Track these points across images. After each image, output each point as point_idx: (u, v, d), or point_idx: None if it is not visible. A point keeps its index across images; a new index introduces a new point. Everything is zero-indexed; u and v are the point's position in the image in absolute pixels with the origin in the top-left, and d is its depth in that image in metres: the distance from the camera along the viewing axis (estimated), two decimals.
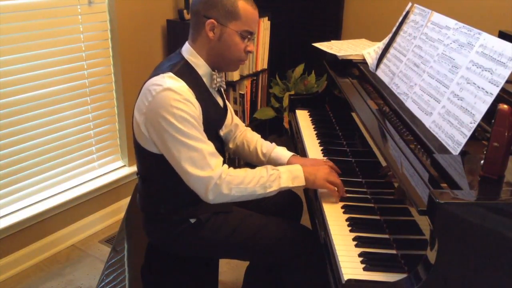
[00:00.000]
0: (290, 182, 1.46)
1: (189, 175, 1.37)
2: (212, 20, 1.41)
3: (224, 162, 1.45)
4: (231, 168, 1.44)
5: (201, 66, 1.47)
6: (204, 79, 1.49)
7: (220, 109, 1.59)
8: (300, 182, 1.48)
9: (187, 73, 1.43)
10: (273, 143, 1.74)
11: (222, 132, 1.69)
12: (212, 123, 1.51)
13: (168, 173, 1.42)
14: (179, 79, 1.39)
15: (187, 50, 1.48)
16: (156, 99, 1.35)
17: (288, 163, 1.64)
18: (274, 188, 1.44)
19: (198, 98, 1.41)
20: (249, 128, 1.80)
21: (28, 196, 2.34)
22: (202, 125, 1.41)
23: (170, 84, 1.36)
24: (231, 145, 1.76)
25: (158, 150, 1.43)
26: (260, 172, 1.45)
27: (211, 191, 1.38)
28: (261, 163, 1.71)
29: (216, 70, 1.51)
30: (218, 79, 1.51)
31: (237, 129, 1.76)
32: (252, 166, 1.55)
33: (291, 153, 1.68)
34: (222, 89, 1.61)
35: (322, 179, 1.47)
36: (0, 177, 2.19)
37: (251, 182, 1.42)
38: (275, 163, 1.67)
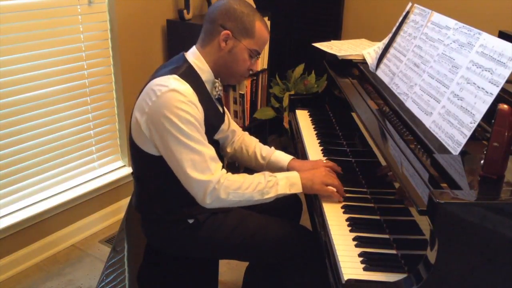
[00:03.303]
0: (287, 189, 1.47)
1: (189, 177, 1.37)
2: (228, 32, 1.44)
3: (222, 166, 1.45)
4: (229, 173, 1.44)
5: (205, 72, 1.48)
6: (207, 85, 1.49)
7: (220, 116, 1.60)
8: (298, 189, 1.48)
9: (191, 76, 1.44)
10: (272, 147, 1.74)
11: (217, 137, 1.70)
12: (211, 128, 1.51)
13: (164, 175, 1.42)
14: (184, 81, 1.39)
15: (193, 54, 1.49)
16: (161, 99, 1.35)
17: (288, 166, 1.65)
18: (271, 194, 1.45)
19: (200, 101, 1.41)
20: (246, 133, 1.80)
21: (28, 196, 2.34)
22: (204, 128, 1.41)
23: (175, 86, 1.36)
24: (228, 150, 1.76)
25: (155, 151, 1.43)
26: (258, 178, 1.45)
27: (209, 195, 1.38)
28: (260, 167, 1.71)
29: (218, 79, 1.52)
30: (220, 87, 1.52)
31: (235, 134, 1.76)
32: (250, 171, 1.54)
33: (291, 157, 1.69)
34: (220, 98, 1.62)
35: (319, 183, 1.48)
36: (0, 177, 2.19)
37: (249, 187, 1.42)
38: (275, 166, 1.67)
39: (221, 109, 1.62)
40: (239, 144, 1.75)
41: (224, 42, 1.45)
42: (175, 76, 1.39)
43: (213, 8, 1.49)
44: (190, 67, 1.46)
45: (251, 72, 1.54)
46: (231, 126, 1.75)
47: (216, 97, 1.55)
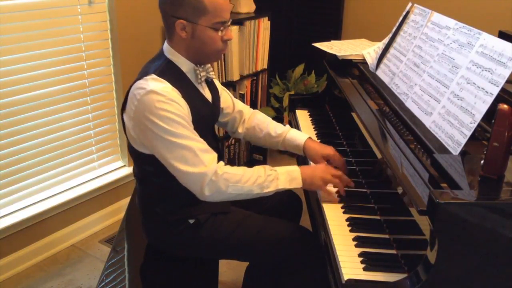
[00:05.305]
0: (287, 184, 1.46)
1: (182, 173, 1.37)
2: (181, 21, 1.39)
3: (221, 159, 1.45)
4: (228, 166, 1.43)
5: (183, 64, 1.47)
6: (189, 76, 1.48)
7: (209, 104, 1.57)
8: (297, 184, 1.48)
9: (170, 72, 1.43)
10: (287, 125, 1.73)
11: (223, 120, 1.69)
12: (204, 119, 1.51)
13: (163, 174, 1.42)
14: (162, 79, 1.38)
15: (167, 49, 1.48)
16: (141, 103, 1.35)
17: (305, 145, 1.65)
18: (271, 188, 1.44)
19: (184, 96, 1.40)
20: (257, 111, 1.79)
21: (28, 196, 2.34)
22: (191, 123, 1.41)
23: (153, 86, 1.35)
24: (240, 130, 1.75)
25: (150, 152, 1.43)
26: (258, 172, 1.44)
27: (207, 187, 1.37)
28: (275, 145, 1.71)
29: (198, 65, 1.50)
30: (203, 73, 1.50)
31: (243, 114, 1.75)
32: (251, 166, 1.54)
33: (307, 135, 1.68)
34: (212, 80, 1.59)
35: (319, 180, 1.48)
36: (0, 177, 2.19)
37: (248, 181, 1.41)
38: (290, 144, 1.67)
39: (210, 97, 1.58)
40: (251, 123, 1.74)
41: (182, 31, 1.41)
42: (153, 76, 1.39)
43: (160, 1, 1.44)
44: (169, 62, 1.45)
45: (227, 41, 1.47)
46: (236, 107, 1.74)
47: (202, 82, 1.52)
